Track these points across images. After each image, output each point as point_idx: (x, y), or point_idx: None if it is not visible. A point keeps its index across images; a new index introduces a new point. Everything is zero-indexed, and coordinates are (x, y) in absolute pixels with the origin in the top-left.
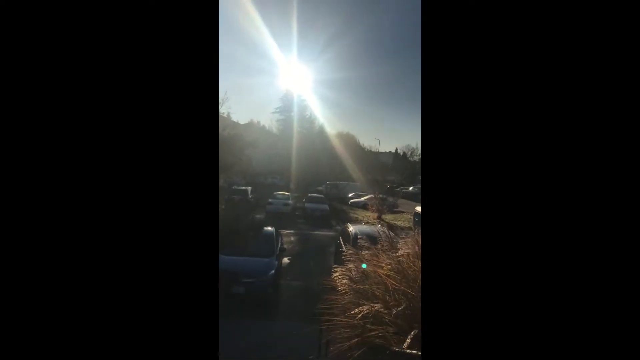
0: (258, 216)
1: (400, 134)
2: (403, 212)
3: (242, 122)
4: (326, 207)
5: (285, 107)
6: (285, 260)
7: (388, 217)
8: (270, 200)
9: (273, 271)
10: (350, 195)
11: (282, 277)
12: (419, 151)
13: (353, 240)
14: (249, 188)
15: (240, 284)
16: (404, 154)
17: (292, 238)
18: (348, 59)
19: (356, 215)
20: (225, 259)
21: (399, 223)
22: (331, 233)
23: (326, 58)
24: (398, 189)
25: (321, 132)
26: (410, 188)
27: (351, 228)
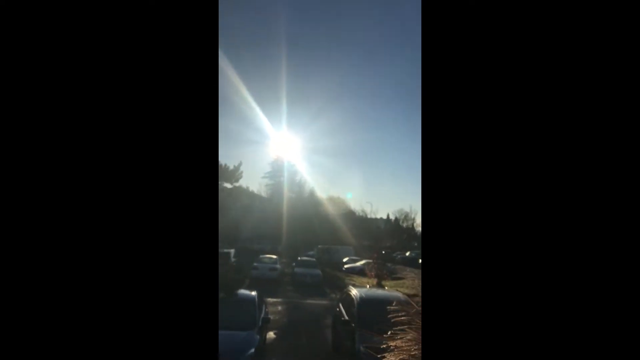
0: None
1: (392, 197)
2: (403, 278)
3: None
4: (318, 272)
5: (275, 172)
6: (271, 334)
7: (389, 284)
8: (255, 264)
9: (253, 350)
10: (344, 260)
11: (266, 358)
12: (413, 215)
13: (358, 309)
14: (232, 251)
15: None
16: (396, 219)
17: (280, 307)
18: (336, 127)
19: (353, 282)
20: None
21: (403, 290)
22: (325, 302)
23: (315, 127)
24: (394, 254)
25: (311, 196)
26: (408, 253)
27: (354, 292)
